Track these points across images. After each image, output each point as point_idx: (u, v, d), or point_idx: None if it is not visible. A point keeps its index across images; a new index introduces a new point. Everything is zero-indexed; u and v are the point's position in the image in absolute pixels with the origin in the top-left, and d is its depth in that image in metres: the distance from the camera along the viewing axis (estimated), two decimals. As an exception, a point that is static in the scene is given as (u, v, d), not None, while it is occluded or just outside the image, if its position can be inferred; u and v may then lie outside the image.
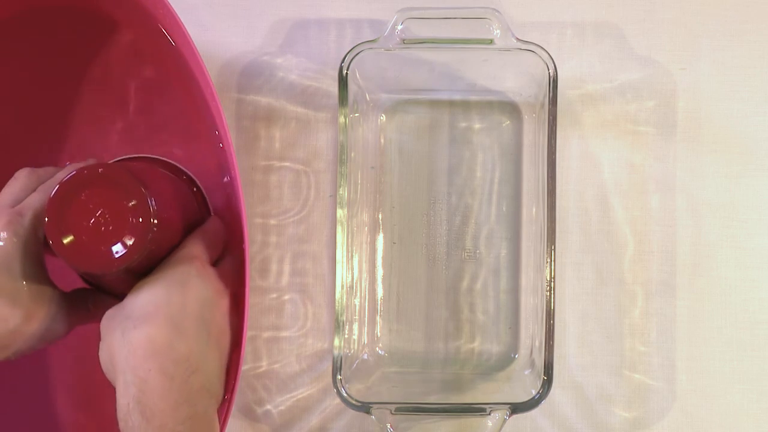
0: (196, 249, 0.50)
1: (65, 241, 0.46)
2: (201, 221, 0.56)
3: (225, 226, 0.55)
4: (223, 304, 0.50)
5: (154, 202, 0.47)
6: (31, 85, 0.59)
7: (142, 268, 0.48)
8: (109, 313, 0.48)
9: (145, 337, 0.44)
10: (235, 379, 0.50)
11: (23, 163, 0.53)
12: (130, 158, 0.59)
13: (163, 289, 0.47)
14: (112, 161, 0.59)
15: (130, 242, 0.46)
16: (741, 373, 0.61)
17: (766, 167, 0.62)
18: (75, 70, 0.59)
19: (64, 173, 0.51)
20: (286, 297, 0.62)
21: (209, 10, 0.63)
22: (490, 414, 0.53)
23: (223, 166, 0.58)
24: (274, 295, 0.62)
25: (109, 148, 0.60)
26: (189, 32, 0.50)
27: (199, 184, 0.59)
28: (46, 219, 0.47)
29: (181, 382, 0.45)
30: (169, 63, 0.56)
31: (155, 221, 0.47)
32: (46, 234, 0.47)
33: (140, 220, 0.46)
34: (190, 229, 0.53)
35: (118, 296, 0.50)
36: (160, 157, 0.59)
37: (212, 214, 0.59)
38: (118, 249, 0.46)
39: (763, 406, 0.61)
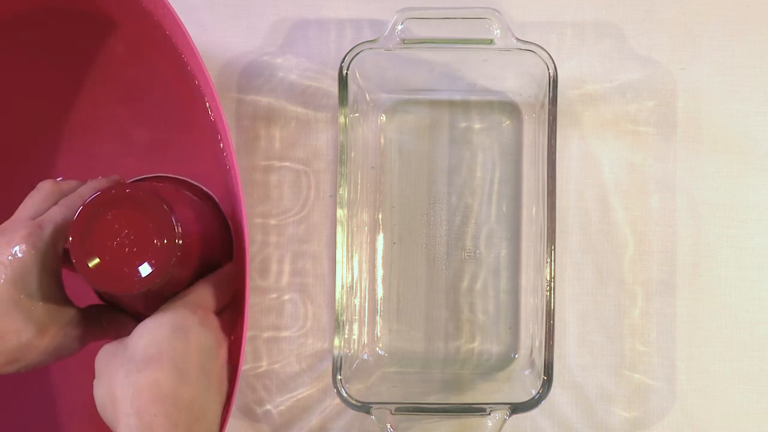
0: (203, 296, 0.50)
1: (91, 264, 0.46)
2: (221, 248, 0.55)
3: (239, 274, 0.54)
4: (222, 353, 0.49)
5: (179, 227, 0.46)
6: (29, 87, 0.59)
7: (162, 291, 0.48)
8: (107, 350, 0.47)
9: (150, 381, 0.44)
10: (235, 379, 0.50)
11: (22, 171, 0.52)
12: (154, 177, 0.59)
13: (166, 334, 0.46)
14: (136, 179, 0.58)
15: (153, 265, 0.46)
16: (741, 373, 0.61)
17: (766, 167, 0.62)
18: (74, 71, 0.59)
19: (87, 189, 0.51)
20: (286, 297, 0.62)
21: (209, 10, 0.63)
22: (490, 414, 0.53)
23: (222, 166, 0.58)
24: (274, 295, 0.62)
25: (109, 150, 0.60)
26: (189, 32, 0.49)
27: (223, 210, 0.58)
28: (71, 238, 0.46)
29: (184, 431, 0.44)
30: (169, 63, 0.56)
31: (180, 243, 0.46)
32: (71, 253, 0.46)
33: (165, 242, 0.46)
34: (209, 255, 0.52)
35: (133, 314, 0.50)
36: (187, 179, 0.59)
37: (232, 238, 0.58)
38: (141, 271, 0.46)
39: (763, 406, 0.61)
